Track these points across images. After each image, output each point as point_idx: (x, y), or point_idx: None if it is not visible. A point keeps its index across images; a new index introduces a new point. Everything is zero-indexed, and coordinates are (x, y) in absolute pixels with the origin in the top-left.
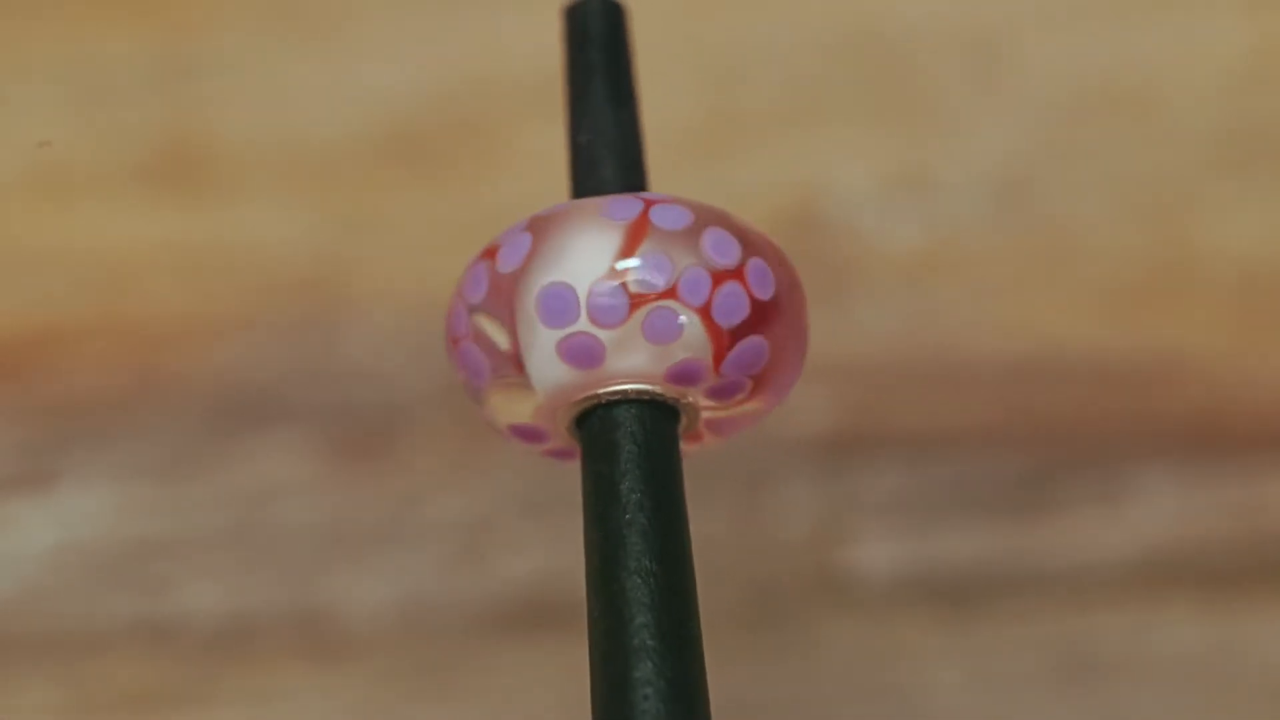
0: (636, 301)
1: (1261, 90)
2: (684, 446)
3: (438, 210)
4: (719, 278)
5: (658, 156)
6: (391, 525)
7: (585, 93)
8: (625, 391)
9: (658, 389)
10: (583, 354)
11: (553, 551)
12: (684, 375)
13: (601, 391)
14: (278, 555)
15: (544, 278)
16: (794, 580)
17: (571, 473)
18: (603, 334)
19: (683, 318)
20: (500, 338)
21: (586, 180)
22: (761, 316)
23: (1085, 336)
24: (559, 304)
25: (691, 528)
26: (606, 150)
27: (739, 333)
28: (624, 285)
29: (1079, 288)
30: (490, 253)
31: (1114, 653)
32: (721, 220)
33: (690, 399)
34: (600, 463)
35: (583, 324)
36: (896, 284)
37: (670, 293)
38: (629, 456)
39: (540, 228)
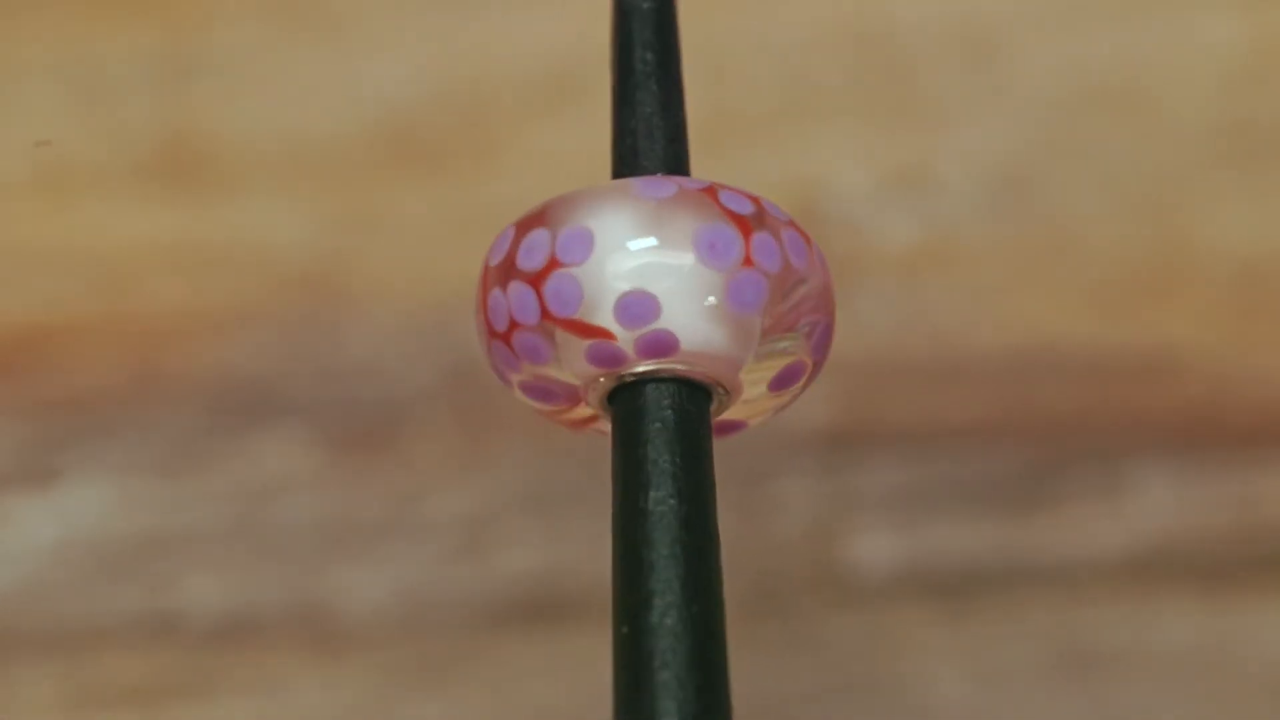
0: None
1: (1258, 87)
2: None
3: (439, 207)
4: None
5: None
6: (392, 520)
7: (632, 73)
8: (652, 371)
9: (687, 369)
10: (658, 348)
11: (553, 546)
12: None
13: (630, 370)
14: (279, 550)
15: (619, 282)
16: (793, 575)
17: (572, 467)
18: (676, 327)
19: (762, 293)
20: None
21: (629, 165)
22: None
23: (1082, 332)
24: (637, 308)
25: None
26: (655, 132)
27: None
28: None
29: (1076, 284)
30: (538, 222)
31: (1112, 647)
32: (779, 213)
33: (728, 381)
34: (632, 443)
35: (661, 322)
36: (894, 280)
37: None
38: (669, 440)
39: (589, 219)
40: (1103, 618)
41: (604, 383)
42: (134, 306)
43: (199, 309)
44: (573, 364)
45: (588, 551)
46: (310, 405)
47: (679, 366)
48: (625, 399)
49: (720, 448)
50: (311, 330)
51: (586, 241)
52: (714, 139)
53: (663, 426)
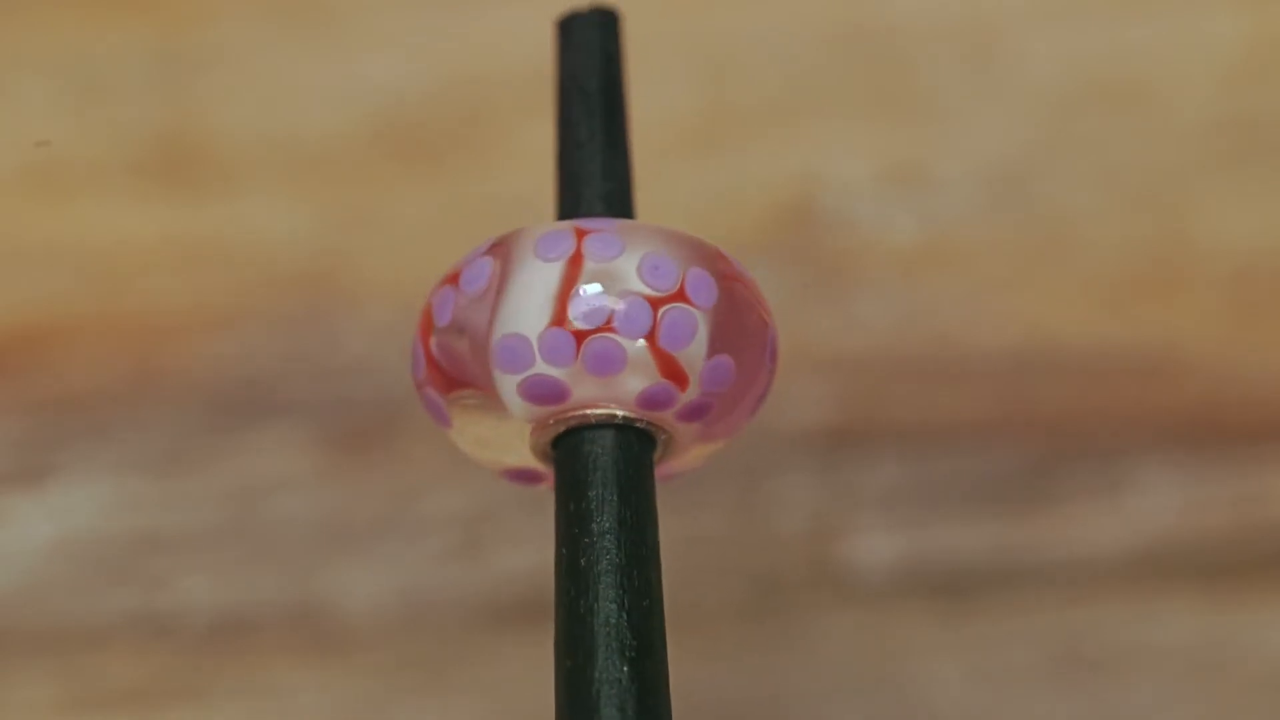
0: (581, 338)
1: (1257, 84)
2: (671, 468)
3: (435, 205)
4: (659, 303)
5: (655, 151)
6: (389, 520)
7: (576, 110)
8: (588, 417)
9: (629, 414)
10: (544, 392)
11: (550, 546)
12: (650, 401)
13: (570, 416)
14: (275, 549)
15: (498, 327)
16: (792, 574)
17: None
18: (558, 372)
19: (627, 348)
20: (467, 369)
21: (570, 206)
22: (717, 332)
23: (1082, 330)
24: (512, 352)
25: (690, 521)
26: (594, 172)
27: (694, 353)
28: (567, 325)
29: (1076, 281)
30: (453, 279)
31: (1112, 645)
32: (657, 240)
33: (668, 425)
34: (571, 489)
35: (538, 367)
36: (893, 277)
37: (609, 326)
38: (601, 482)
39: (493, 265)
40: (1103, 617)
41: (546, 430)
42: (130, 305)
43: (195, 307)
44: (511, 406)
45: None
46: (307, 403)
47: (614, 411)
48: (568, 445)
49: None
50: (308, 329)
51: (489, 276)
52: (713, 135)
53: (604, 472)
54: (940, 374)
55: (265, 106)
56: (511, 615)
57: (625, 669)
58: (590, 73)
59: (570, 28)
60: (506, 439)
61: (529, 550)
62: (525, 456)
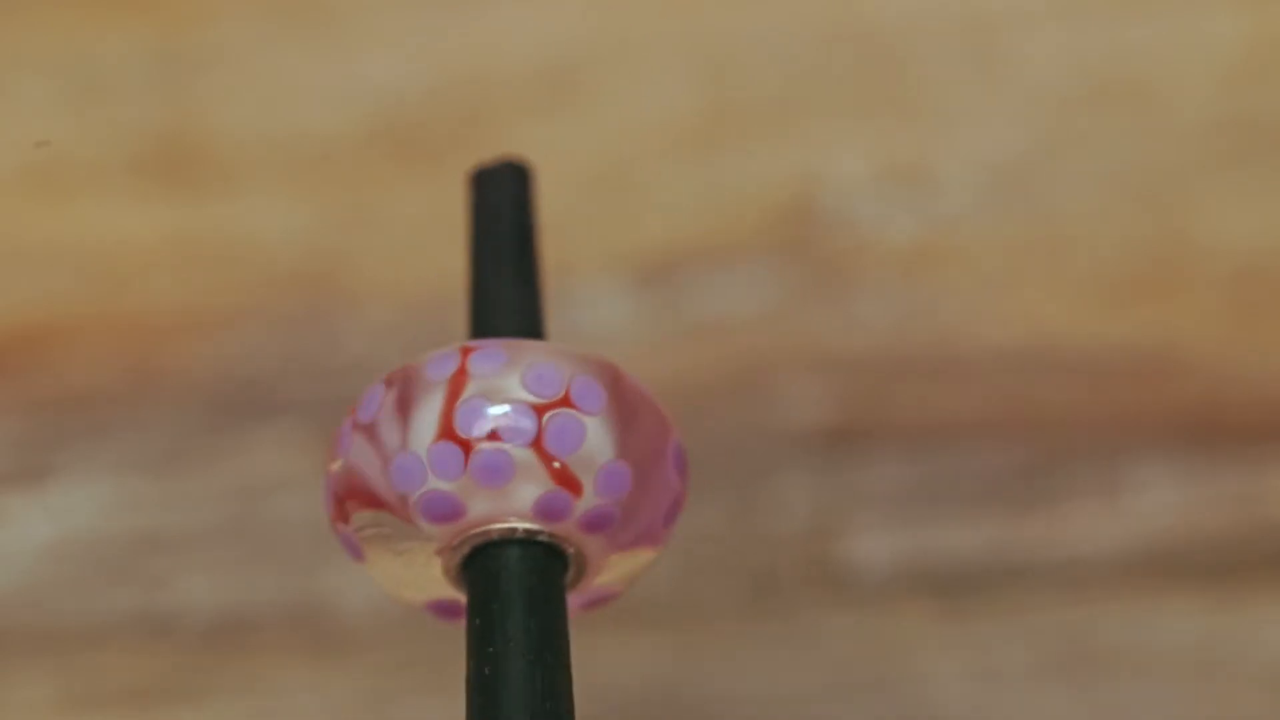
0: (467, 449)
1: (1258, 83)
2: (597, 588)
3: (434, 204)
4: (542, 409)
5: (655, 151)
6: None
7: (490, 258)
8: (489, 533)
9: (530, 527)
10: (441, 509)
11: None
12: (547, 511)
13: (472, 534)
14: (275, 549)
15: (391, 449)
16: (792, 573)
17: None
18: (450, 486)
19: (515, 455)
20: (375, 490)
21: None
22: (608, 438)
23: (1082, 329)
24: (405, 471)
25: (690, 521)
26: (505, 312)
27: (585, 458)
28: (454, 437)
29: (1076, 280)
30: (351, 411)
31: (1112, 644)
32: (542, 353)
33: (573, 538)
34: (476, 604)
35: (431, 483)
36: (893, 276)
37: (494, 435)
38: (505, 595)
39: (384, 393)
40: (1102, 617)
41: (452, 553)
42: (130, 304)
43: (195, 306)
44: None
45: None
46: (306, 403)
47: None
48: (474, 564)
49: (719, 446)
50: (308, 329)
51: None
52: (713, 135)
53: (506, 585)
54: (940, 374)
55: (265, 106)
56: None
57: None
58: (502, 217)
59: (483, 179)
60: (419, 569)
61: None
62: (441, 585)
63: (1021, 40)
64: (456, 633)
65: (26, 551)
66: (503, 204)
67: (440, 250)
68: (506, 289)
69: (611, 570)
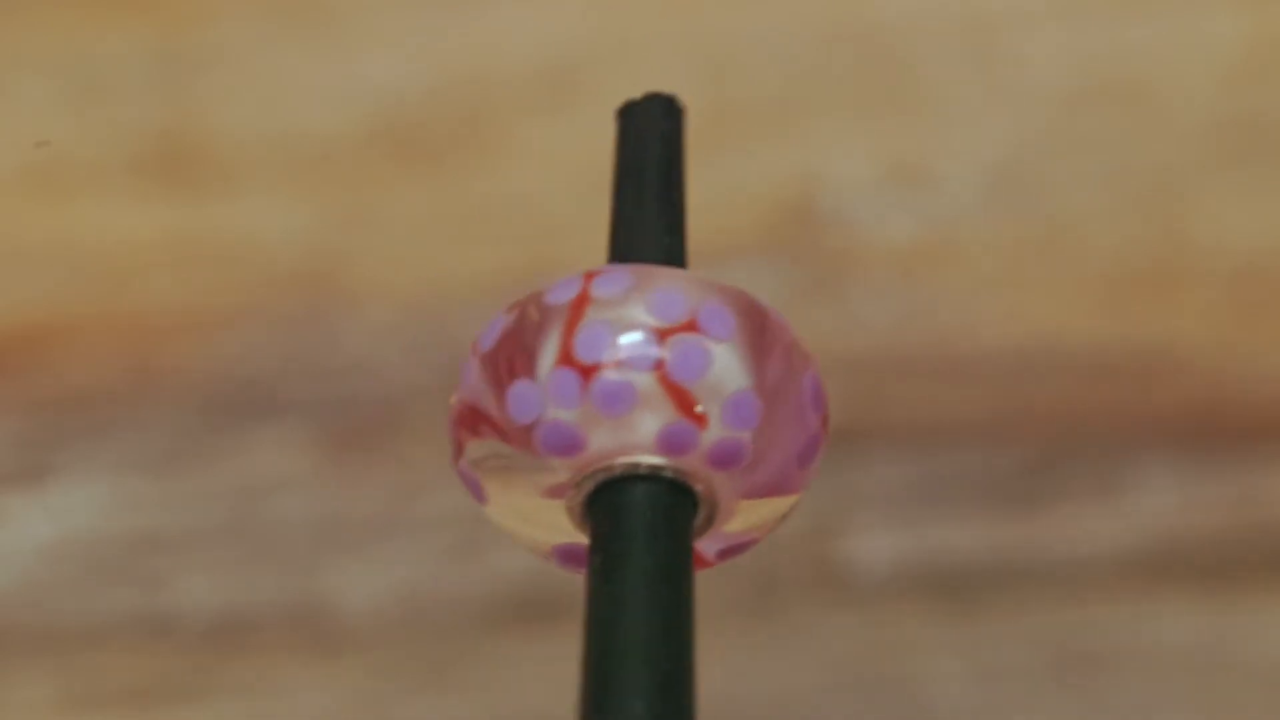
0: (586, 375)
1: (1258, 83)
2: (730, 535)
3: (434, 204)
4: (666, 333)
5: None
6: (389, 519)
7: (633, 191)
8: (612, 469)
9: (654, 462)
10: (560, 440)
11: None
12: (670, 443)
13: (595, 470)
14: (275, 549)
15: (510, 377)
16: (792, 573)
17: None
18: (569, 415)
19: (636, 382)
20: (495, 423)
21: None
22: (737, 366)
23: (1082, 329)
24: (523, 399)
25: None
26: (644, 245)
27: (711, 387)
28: (574, 364)
29: (1076, 280)
30: (473, 345)
31: (1112, 644)
32: (669, 277)
33: (700, 474)
34: (597, 543)
35: (549, 412)
36: (893, 276)
37: (614, 361)
38: (628, 535)
39: (505, 321)
40: (1103, 616)
41: (575, 492)
42: (129, 304)
43: (195, 306)
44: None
45: None
46: (306, 403)
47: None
48: (599, 502)
49: None
50: (307, 328)
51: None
52: (714, 135)
53: (630, 524)
54: (940, 374)
55: (265, 106)
56: (510, 615)
57: (644, 706)
58: (648, 150)
59: (631, 112)
60: (543, 509)
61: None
62: (566, 529)
63: (1021, 40)
64: (457, 633)
65: (26, 551)
66: (649, 137)
67: (440, 250)
68: (648, 221)
69: (746, 515)
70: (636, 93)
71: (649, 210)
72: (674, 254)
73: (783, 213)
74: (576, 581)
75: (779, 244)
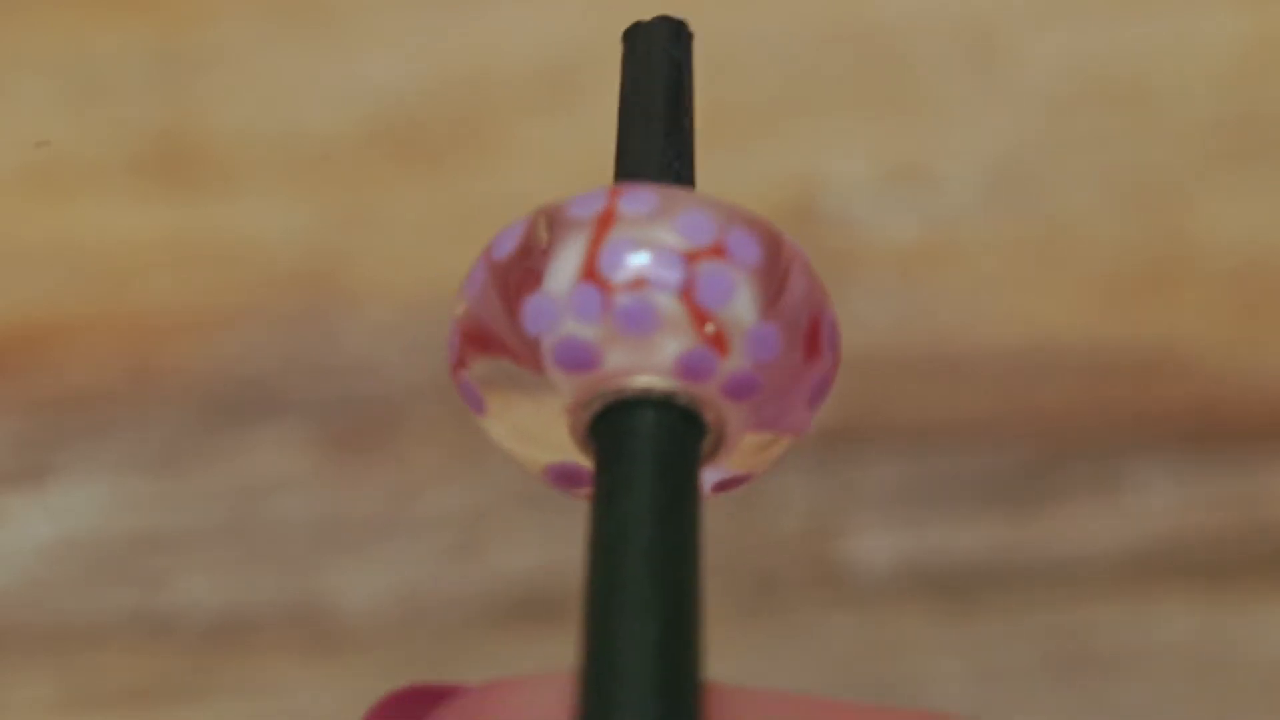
0: (610, 292)
1: (1258, 82)
2: (728, 468)
3: (434, 204)
4: (694, 256)
5: None
6: (389, 519)
7: (640, 113)
8: (624, 390)
9: (669, 386)
10: (576, 356)
11: (550, 545)
12: (689, 368)
13: (607, 390)
14: (275, 549)
15: (526, 287)
16: (792, 573)
17: None
18: (588, 331)
19: (660, 304)
20: (502, 338)
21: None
22: (761, 295)
23: (1082, 328)
24: (540, 311)
25: None
26: (653, 167)
27: (734, 316)
28: (597, 279)
29: (1076, 280)
30: (485, 251)
31: (1112, 644)
32: (697, 200)
33: (714, 404)
34: (605, 464)
35: (568, 326)
36: (893, 276)
37: (640, 280)
38: (639, 456)
39: (523, 230)
40: (1104, 616)
41: (583, 411)
42: (129, 303)
43: (194, 306)
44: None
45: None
46: (306, 403)
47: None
48: (606, 424)
49: None
50: (307, 328)
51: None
52: (713, 134)
53: (640, 447)
54: (940, 373)
55: (264, 106)
56: (510, 615)
57: (652, 638)
58: (654, 76)
59: (638, 34)
60: (544, 426)
61: (528, 550)
62: (565, 448)
63: (1021, 40)
64: (455, 634)
65: (25, 551)
66: (656, 59)
67: (440, 250)
68: (655, 143)
69: (747, 450)
70: None
71: (656, 135)
72: (683, 181)
73: (782, 213)
74: (577, 582)
75: None
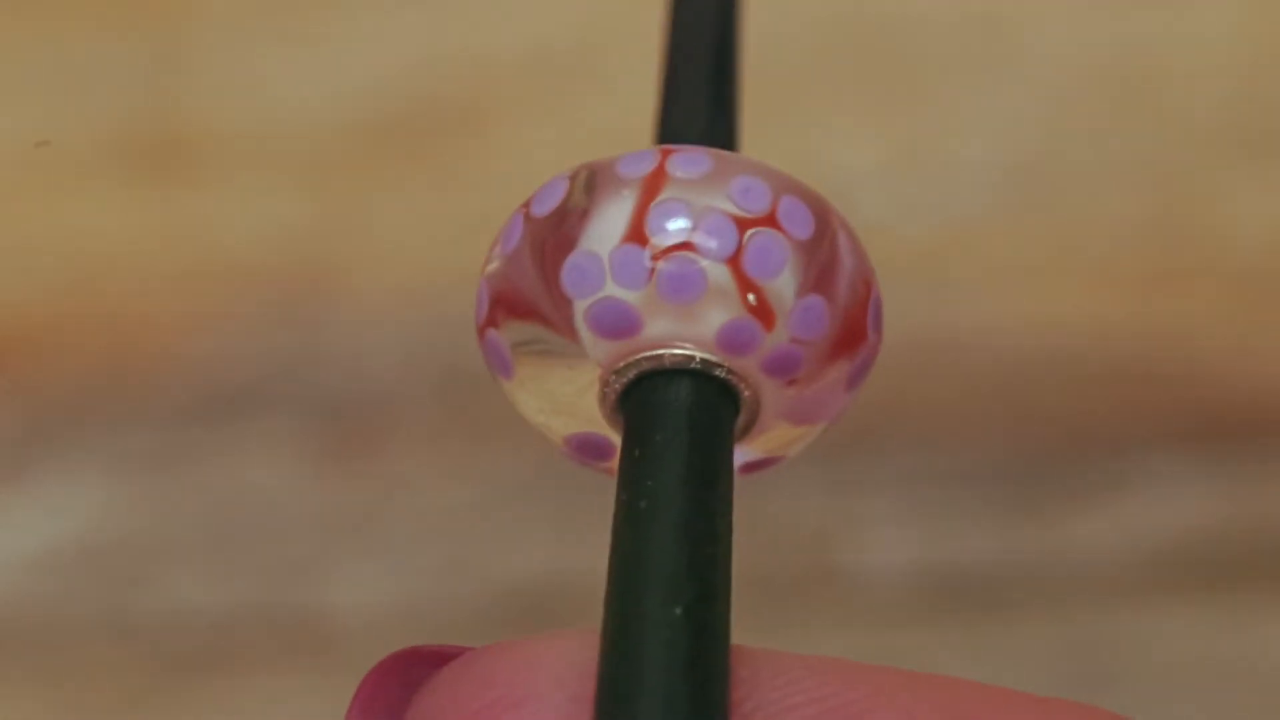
0: (656, 255)
1: (1272, 73)
2: (755, 448)
3: (424, 200)
4: (746, 224)
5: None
6: (381, 522)
7: (685, 80)
8: (661, 359)
9: (708, 357)
10: (614, 321)
11: (547, 548)
12: (732, 341)
13: (642, 358)
14: (265, 552)
15: (567, 246)
16: (795, 576)
17: (566, 467)
18: (630, 295)
19: (709, 271)
20: (536, 301)
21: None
22: (810, 270)
23: (1091, 327)
24: (581, 272)
25: None
26: (698, 128)
27: (782, 289)
28: (641, 241)
29: (1085, 277)
30: (524, 205)
31: (1124, 649)
32: (751, 165)
33: (752, 379)
34: (637, 434)
35: (608, 289)
36: (898, 274)
37: (688, 244)
38: (672, 426)
39: (568, 186)
40: (1115, 621)
41: (616, 379)
42: (114, 301)
43: (181, 304)
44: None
45: (582, 553)
46: (295, 402)
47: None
48: (639, 393)
49: None
50: (298, 327)
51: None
52: None
53: (675, 417)
54: (948, 371)
55: (252, 101)
56: (507, 618)
57: (679, 611)
58: (701, 34)
59: None
60: (572, 394)
61: (524, 553)
62: (592, 418)
63: (1031, 30)
64: (451, 637)
65: (8, 554)
66: (704, 17)
67: (433, 248)
68: (699, 103)
69: (778, 432)
70: (635, 88)
71: (700, 92)
72: (729, 145)
73: None
74: (574, 588)
75: None
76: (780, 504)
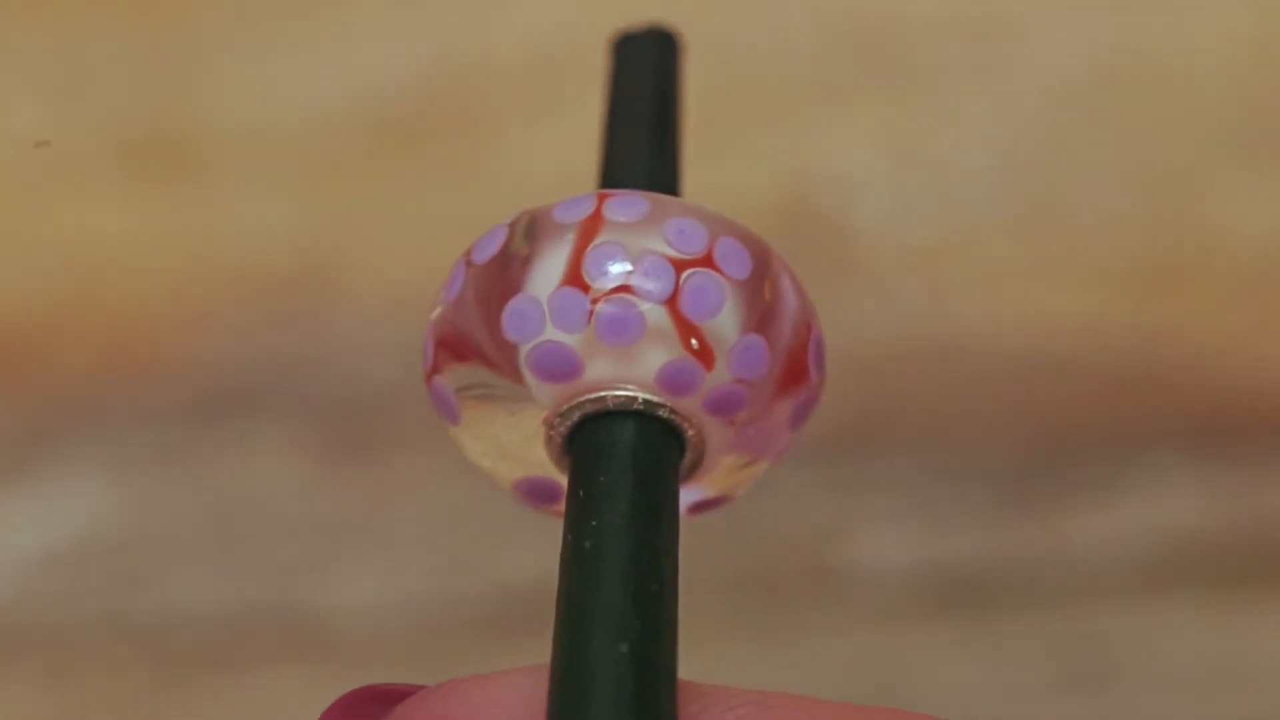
0: (594, 298)
1: (1270, 73)
2: (705, 488)
3: (425, 199)
4: (683, 265)
5: None
6: (381, 521)
7: (625, 122)
8: (604, 401)
9: (650, 397)
10: (555, 364)
11: (547, 548)
12: (673, 381)
13: (585, 401)
14: (266, 551)
15: (508, 292)
16: (794, 575)
17: None
18: (569, 339)
19: (646, 313)
20: (481, 347)
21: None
22: (749, 309)
23: (1091, 326)
24: (521, 316)
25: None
26: (639, 175)
27: (720, 329)
28: (580, 285)
29: (1084, 277)
30: (466, 254)
31: (1123, 648)
32: (686, 209)
33: (695, 419)
34: (582, 475)
35: (548, 333)
36: (896, 274)
37: (625, 287)
38: (617, 468)
39: (506, 233)
40: (1114, 620)
41: (560, 422)
42: (116, 300)
43: (183, 303)
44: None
45: None
46: (296, 401)
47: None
48: (583, 435)
49: None
50: (300, 326)
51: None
52: (713, 133)
53: (619, 458)
54: (948, 370)
55: (254, 100)
56: (506, 618)
57: (625, 649)
58: (642, 86)
59: (625, 45)
60: (519, 438)
61: (524, 552)
62: (540, 462)
63: (1032, 31)
64: (451, 636)
65: (9, 553)
66: (644, 68)
67: (433, 246)
68: (641, 152)
69: (726, 471)
70: None
71: (641, 143)
72: (670, 190)
73: (787, 208)
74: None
75: (779, 241)
76: (780, 504)
